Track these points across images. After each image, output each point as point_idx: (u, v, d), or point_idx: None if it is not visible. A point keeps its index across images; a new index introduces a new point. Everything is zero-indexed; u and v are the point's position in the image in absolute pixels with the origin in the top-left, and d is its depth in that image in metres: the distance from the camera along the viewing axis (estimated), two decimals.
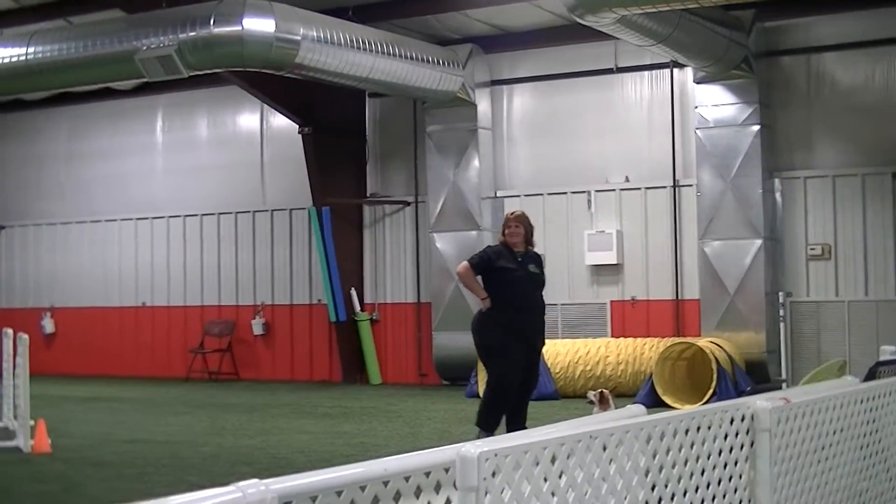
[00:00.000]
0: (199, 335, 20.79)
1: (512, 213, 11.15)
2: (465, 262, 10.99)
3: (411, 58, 16.50)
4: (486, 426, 10.58)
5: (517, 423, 10.45)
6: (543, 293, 11.10)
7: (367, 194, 19.67)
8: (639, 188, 17.60)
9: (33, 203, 23.32)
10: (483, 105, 18.39)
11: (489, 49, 18.39)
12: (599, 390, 10.91)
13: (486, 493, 3.41)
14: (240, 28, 14.21)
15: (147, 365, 21.50)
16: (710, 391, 14.54)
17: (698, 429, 4.57)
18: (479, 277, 10.84)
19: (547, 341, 16.42)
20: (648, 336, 16.90)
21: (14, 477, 9.91)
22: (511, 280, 10.69)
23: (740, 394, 13.60)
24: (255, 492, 2.93)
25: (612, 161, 17.85)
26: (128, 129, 22.19)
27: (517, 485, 3.57)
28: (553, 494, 3.74)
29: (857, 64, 16.47)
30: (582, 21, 13.69)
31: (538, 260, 11.09)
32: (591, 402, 10.49)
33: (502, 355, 10.61)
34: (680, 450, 4.44)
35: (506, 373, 10.63)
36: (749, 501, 4.95)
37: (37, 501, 8.62)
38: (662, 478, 4.34)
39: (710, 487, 4.63)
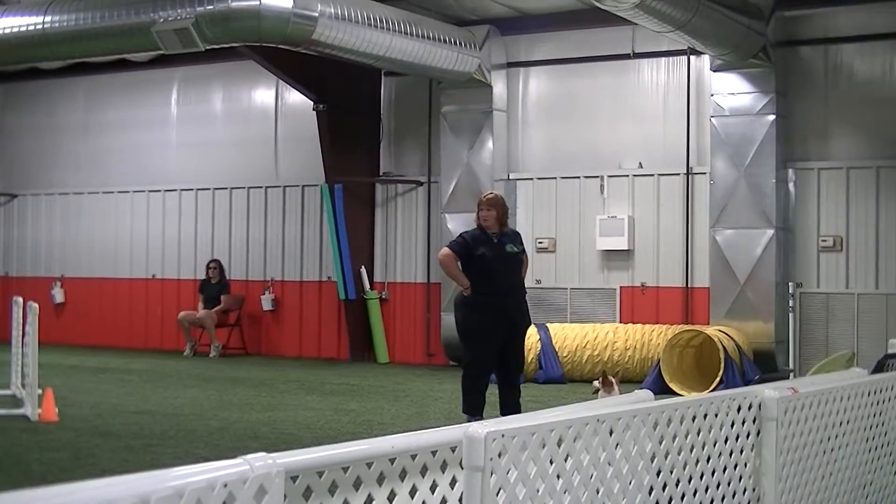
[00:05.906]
0: None
1: (485, 196, 11.26)
2: (446, 249, 11.09)
3: (428, 37, 16.47)
4: (469, 410, 10.74)
5: (510, 410, 10.45)
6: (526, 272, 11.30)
7: (380, 173, 19.66)
8: (652, 174, 17.57)
9: (47, 172, 23.35)
10: (498, 87, 18.35)
11: (506, 31, 18.34)
12: (602, 371, 10.94)
13: (491, 474, 3.43)
14: (257, 3, 14.18)
15: (155, 337, 21.55)
16: (717, 379, 14.55)
17: (705, 416, 4.59)
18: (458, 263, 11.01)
19: (556, 325, 16.70)
20: (657, 323, 16.89)
21: (22, 444, 9.96)
22: (489, 265, 10.83)
23: (747, 383, 13.61)
24: (262, 465, 2.95)
25: (625, 147, 17.82)
26: (143, 102, 22.18)
27: (523, 466, 3.58)
28: (559, 477, 3.76)
29: (876, 56, 16.40)
30: (600, 5, 13.64)
31: (516, 237, 11.25)
32: (595, 392, 10.48)
33: (479, 339, 10.80)
34: (686, 436, 4.46)
35: (480, 357, 10.86)
36: (753, 490, 4.97)
37: (45, 469, 8.66)
38: (668, 463, 4.35)
39: (716, 474, 4.65)
